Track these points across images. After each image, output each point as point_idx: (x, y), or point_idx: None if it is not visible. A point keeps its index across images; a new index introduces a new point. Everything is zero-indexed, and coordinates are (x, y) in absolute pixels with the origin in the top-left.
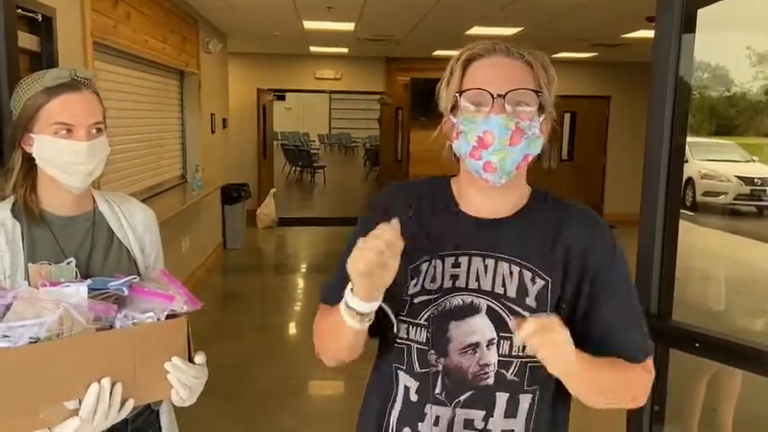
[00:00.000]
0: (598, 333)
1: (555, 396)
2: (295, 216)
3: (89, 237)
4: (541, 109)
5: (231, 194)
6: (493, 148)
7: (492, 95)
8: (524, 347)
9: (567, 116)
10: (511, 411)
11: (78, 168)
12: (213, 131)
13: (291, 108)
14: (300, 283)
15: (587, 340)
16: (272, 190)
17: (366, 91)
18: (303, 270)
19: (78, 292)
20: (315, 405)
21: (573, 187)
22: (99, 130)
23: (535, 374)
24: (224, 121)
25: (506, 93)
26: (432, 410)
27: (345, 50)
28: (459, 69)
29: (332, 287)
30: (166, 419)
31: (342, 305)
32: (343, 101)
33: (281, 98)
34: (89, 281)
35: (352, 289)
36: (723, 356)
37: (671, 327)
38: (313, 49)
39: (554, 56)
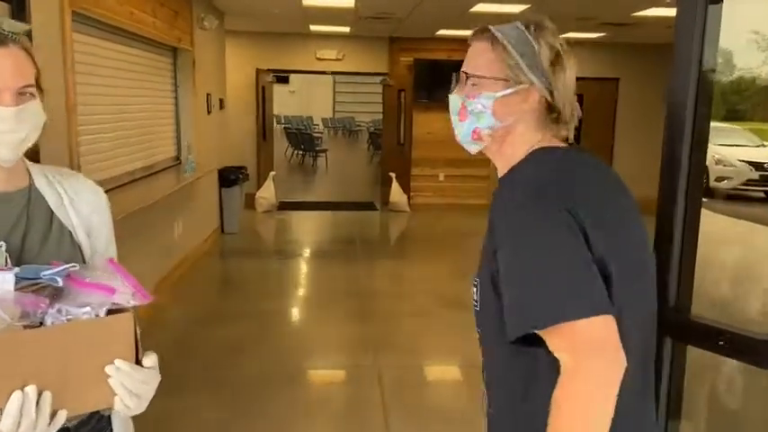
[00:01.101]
0: None
1: (496, 353)
2: (295, 200)
3: (24, 217)
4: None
5: (229, 177)
6: (453, 121)
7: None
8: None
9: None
10: (479, 342)
11: (5, 138)
12: (209, 112)
13: (295, 91)
14: (299, 268)
15: None
16: (272, 173)
17: (368, 72)
18: (302, 255)
19: (3, 281)
20: (311, 393)
21: None
22: (32, 94)
23: (476, 317)
24: (221, 101)
25: (457, 77)
26: None
27: (347, 30)
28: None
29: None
30: (120, 425)
31: None
32: (347, 84)
33: (285, 81)
34: (17, 269)
35: None
36: (751, 358)
37: (691, 321)
38: (313, 27)
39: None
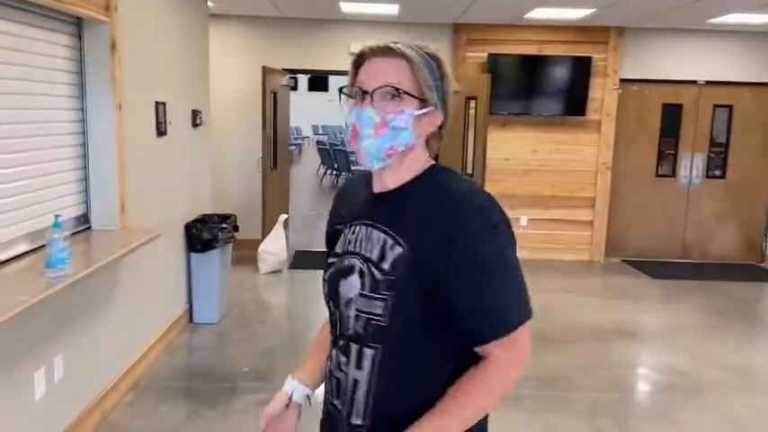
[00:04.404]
0: (454, 317)
1: (413, 361)
2: (317, 249)
3: None
4: (426, 102)
5: (200, 237)
6: (360, 136)
7: (364, 92)
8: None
9: (717, 112)
10: (358, 363)
11: None
12: (162, 133)
13: (334, 100)
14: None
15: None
16: (282, 217)
17: None
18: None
19: None
20: None
21: (723, 214)
22: None
23: (377, 333)
24: (195, 115)
25: (373, 90)
26: (332, 350)
27: (394, 11)
28: (352, 67)
29: None
30: None
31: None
32: None
33: (323, 89)
34: None
35: None
36: None
37: None
38: (345, 7)
39: (714, 20)
